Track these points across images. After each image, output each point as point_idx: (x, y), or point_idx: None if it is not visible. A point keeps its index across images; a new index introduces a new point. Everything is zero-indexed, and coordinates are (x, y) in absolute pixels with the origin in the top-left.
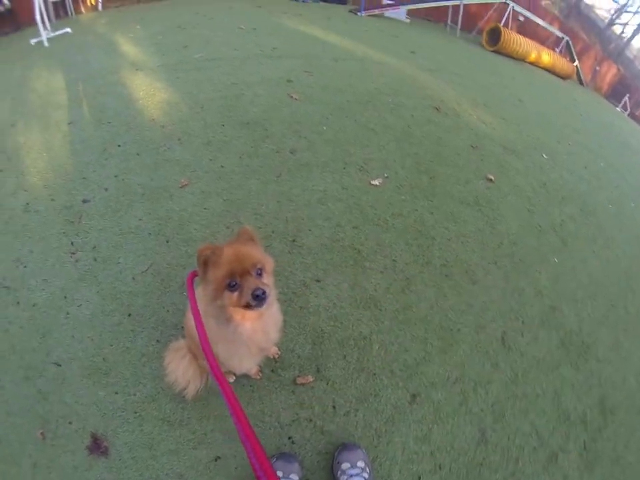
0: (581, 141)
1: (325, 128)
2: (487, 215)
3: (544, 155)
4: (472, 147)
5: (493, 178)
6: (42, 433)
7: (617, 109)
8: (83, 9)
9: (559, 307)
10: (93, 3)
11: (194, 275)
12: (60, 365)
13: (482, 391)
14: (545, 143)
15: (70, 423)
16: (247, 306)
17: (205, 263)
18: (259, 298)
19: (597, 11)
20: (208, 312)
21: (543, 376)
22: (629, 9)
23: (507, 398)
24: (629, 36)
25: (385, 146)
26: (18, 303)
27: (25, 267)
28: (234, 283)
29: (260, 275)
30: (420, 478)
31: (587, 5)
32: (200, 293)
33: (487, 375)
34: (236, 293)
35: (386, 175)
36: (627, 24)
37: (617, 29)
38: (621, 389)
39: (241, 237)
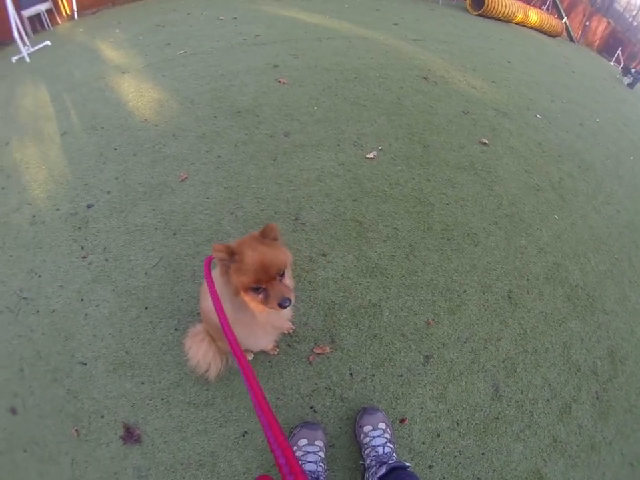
0: (575, 98)
1: (315, 108)
2: (484, 178)
3: (537, 115)
4: (463, 112)
5: (487, 141)
6: (76, 430)
7: (610, 63)
8: (59, 20)
9: (563, 263)
10: (69, 12)
11: (210, 259)
12: (85, 364)
13: (492, 348)
14: (537, 103)
15: (102, 416)
16: (272, 308)
17: (225, 265)
18: (284, 306)
19: None
20: (225, 298)
21: (552, 330)
22: None
23: (517, 353)
24: None
25: (376, 120)
26: (38, 311)
27: (40, 276)
28: (259, 288)
29: (282, 275)
30: (439, 435)
31: None
32: (217, 277)
33: (496, 333)
34: (261, 296)
35: (380, 148)
36: None
37: None
38: (630, 339)
39: (266, 235)
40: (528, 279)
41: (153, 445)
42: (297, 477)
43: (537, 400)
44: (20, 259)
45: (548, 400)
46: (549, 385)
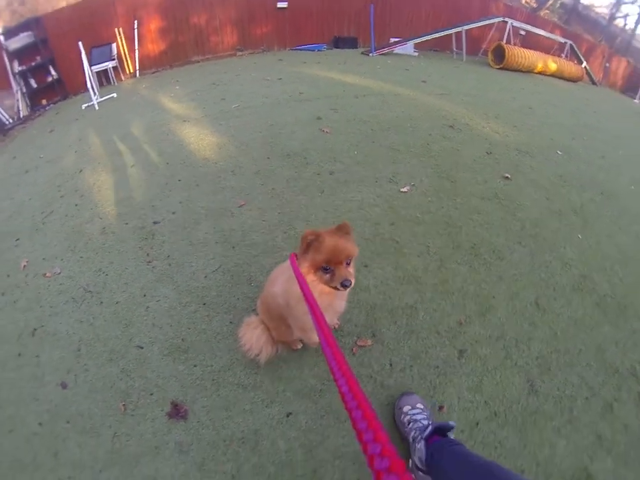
0: (596, 135)
1: (356, 153)
2: (507, 206)
3: (558, 152)
4: (487, 153)
5: (509, 176)
6: (123, 405)
7: (635, 100)
8: (122, 77)
9: (589, 275)
10: (132, 71)
11: (295, 255)
12: (142, 348)
13: (524, 346)
14: (558, 142)
15: (151, 394)
16: (334, 288)
17: (308, 245)
18: (345, 286)
19: (597, 9)
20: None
21: (583, 334)
22: (626, 0)
23: (549, 352)
24: (632, 27)
25: (409, 162)
26: (101, 302)
27: (107, 275)
28: (328, 268)
29: (349, 264)
30: (478, 424)
31: (585, 6)
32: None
33: (526, 333)
34: (328, 275)
35: (413, 184)
36: (627, 15)
37: (620, 22)
38: None
39: (341, 229)
40: (555, 289)
41: (198, 421)
42: (361, 405)
43: (575, 397)
44: (89, 260)
45: (587, 398)
46: (586, 383)
